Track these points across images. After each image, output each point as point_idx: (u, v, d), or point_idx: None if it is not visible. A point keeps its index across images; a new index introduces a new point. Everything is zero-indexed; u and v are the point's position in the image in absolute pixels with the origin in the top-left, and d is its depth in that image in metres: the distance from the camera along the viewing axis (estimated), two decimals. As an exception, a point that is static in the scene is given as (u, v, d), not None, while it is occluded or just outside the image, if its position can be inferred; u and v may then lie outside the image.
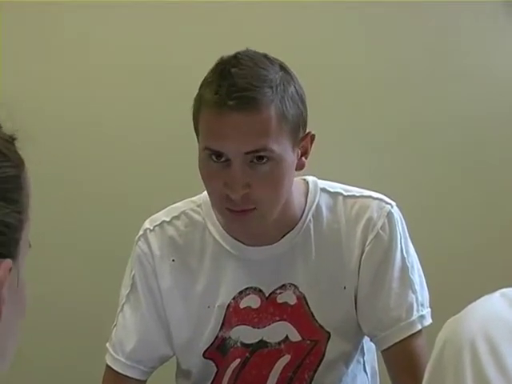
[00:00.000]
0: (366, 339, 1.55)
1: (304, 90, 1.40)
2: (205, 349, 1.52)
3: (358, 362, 1.55)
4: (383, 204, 1.49)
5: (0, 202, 0.76)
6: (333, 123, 2.26)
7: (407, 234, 1.50)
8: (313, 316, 1.49)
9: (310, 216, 1.48)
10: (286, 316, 1.49)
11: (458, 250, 2.35)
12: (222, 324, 1.50)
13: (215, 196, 1.37)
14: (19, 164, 0.79)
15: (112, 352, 1.53)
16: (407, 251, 1.49)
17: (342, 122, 2.32)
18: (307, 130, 1.41)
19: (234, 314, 1.49)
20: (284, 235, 1.48)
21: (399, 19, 2.32)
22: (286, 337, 1.49)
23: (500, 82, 2.35)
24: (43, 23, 2.29)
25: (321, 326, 1.49)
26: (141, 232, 1.53)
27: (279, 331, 1.49)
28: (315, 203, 1.49)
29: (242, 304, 1.49)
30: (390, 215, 1.48)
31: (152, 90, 2.30)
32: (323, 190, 1.51)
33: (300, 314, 1.49)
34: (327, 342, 1.49)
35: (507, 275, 2.04)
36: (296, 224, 1.48)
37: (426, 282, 1.51)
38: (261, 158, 1.32)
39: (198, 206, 1.52)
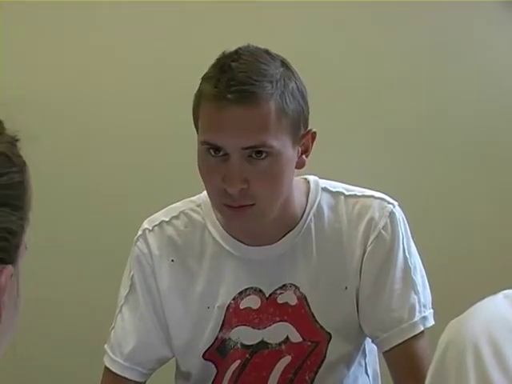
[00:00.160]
0: (368, 341, 1.53)
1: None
2: (204, 350, 1.49)
3: (360, 363, 1.53)
4: (385, 204, 1.47)
5: (5, 208, 0.76)
6: (334, 122, 2.25)
7: (409, 234, 1.48)
8: (313, 317, 1.46)
9: (311, 215, 1.46)
10: (286, 317, 1.47)
11: (460, 251, 2.33)
12: (222, 325, 1.48)
13: (213, 191, 1.35)
14: (22, 167, 0.79)
15: (110, 353, 1.51)
16: (409, 251, 1.46)
17: (344, 121, 2.32)
18: (308, 128, 1.39)
19: (233, 315, 1.47)
20: (285, 235, 1.46)
21: (399, 19, 2.32)
22: (287, 338, 1.47)
23: (500, 82, 2.34)
24: (43, 23, 2.29)
25: (322, 327, 1.47)
26: (139, 232, 1.51)
27: (280, 332, 1.47)
28: (316, 203, 1.47)
29: (242, 304, 1.47)
30: (391, 215, 1.46)
31: (152, 90, 2.30)
32: (324, 189, 1.48)
33: (301, 314, 1.46)
34: (328, 343, 1.47)
35: (511, 276, 2.01)
36: (297, 224, 1.45)
37: (429, 283, 1.49)
38: (259, 153, 1.31)
39: (198, 205, 1.50)
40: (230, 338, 1.48)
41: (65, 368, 2.30)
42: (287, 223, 1.45)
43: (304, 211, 1.46)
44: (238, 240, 1.46)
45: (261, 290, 1.46)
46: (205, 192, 1.43)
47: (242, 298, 1.46)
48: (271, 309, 1.46)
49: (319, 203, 1.47)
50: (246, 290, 1.46)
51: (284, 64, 1.36)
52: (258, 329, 1.47)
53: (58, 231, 2.29)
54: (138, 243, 1.50)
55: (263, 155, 1.31)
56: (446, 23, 2.31)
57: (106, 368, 1.51)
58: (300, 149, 1.38)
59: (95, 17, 2.28)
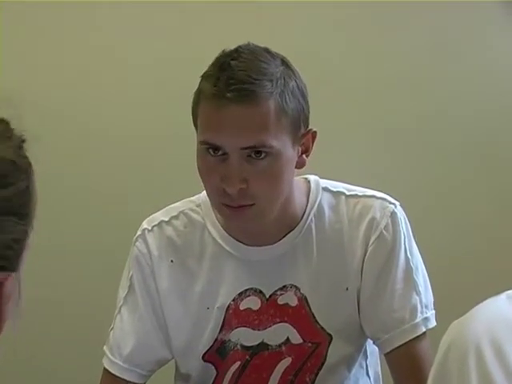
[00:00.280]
0: (369, 342, 1.51)
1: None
2: (204, 351, 1.48)
3: (361, 365, 1.51)
4: (386, 204, 1.45)
5: (13, 217, 0.75)
6: (334, 122, 2.24)
7: (411, 235, 1.46)
8: (314, 318, 1.45)
9: (311, 216, 1.44)
10: (286, 318, 1.45)
11: (462, 251, 2.32)
12: (222, 326, 1.46)
13: (212, 191, 1.34)
14: (28, 169, 0.78)
15: (109, 355, 1.49)
16: (411, 252, 1.45)
17: (344, 121, 2.31)
18: (309, 128, 1.37)
19: (233, 316, 1.46)
20: (285, 235, 1.44)
21: (399, 19, 2.31)
22: (287, 339, 1.46)
23: (500, 82, 2.33)
24: (43, 23, 2.28)
25: (322, 328, 1.45)
26: (139, 232, 1.50)
27: (280, 333, 1.46)
28: (317, 203, 1.45)
29: (242, 305, 1.45)
30: (393, 215, 1.44)
31: (152, 90, 2.29)
32: (325, 189, 1.47)
33: (301, 315, 1.45)
34: (329, 344, 1.45)
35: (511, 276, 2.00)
36: (297, 224, 1.44)
37: (431, 284, 1.48)
38: (259, 152, 1.29)
39: (197, 205, 1.49)
40: (229, 340, 1.46)
41: (63, 369, 2.29)
42: (287, 223, 1.44)
43: (304, 211, 1.44)
44: (238, 240, 1.44)
45: (261, 291, 1.45)
46: (204, 192, 1.41)
47: (242, 299, 1.45)
48: (271, 310, 1.45)
49: (320, 203, 1.45)
50: (246, 290, 1.45)
51: (284, 62, 1.35)
52: (258, 330, 1.45)
53: (58, 231, 2.27)
54: (137, 243, 1.49)
55: (263, 155, 1.29)
56: (446, 23, 2.30)
57: (105, 369, 1.49)
58: (300, 148, 1.37)
59: (95, 17, 2.27)
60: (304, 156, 1.38)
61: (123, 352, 1.47)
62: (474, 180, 2.34)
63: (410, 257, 1.44)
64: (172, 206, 1.51)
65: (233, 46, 1.35)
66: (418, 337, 1.42)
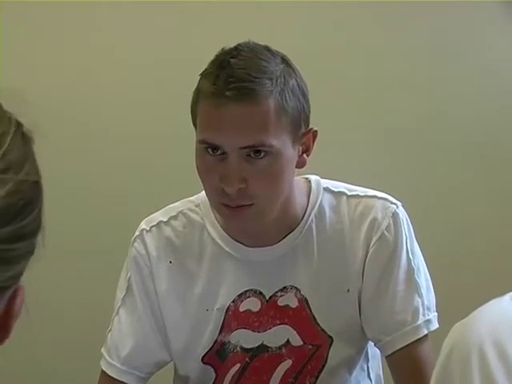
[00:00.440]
0: (371, 345, 1.48)
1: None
2: (203, 354, 1.45)
3: (362, 368, 1.49)
4: (388, 204, 1.43)
5: (33, 239, 0.72)
6: (334, 122, 2.22)
7: (413, 235, 1.44)
8: (315, 320, 1.42)
9: (312, 216, 1.42)
10: (287, 319, 1.43)
11: (465, 252, 2.31)
12: (221, 328, 1.44)
13: (211, 191, 1.32)
14: (39, 179, 0.74)
15: (107, 357, 1.47)
16: (413, 253, 1.42)
17: (344, 121, 2.30)
18: (310, 127, 1.35)
19: (233, 318, 1.43)
20: (285, 236, 1.42)
21: (399, 19, 2.30)
22: (287, 341, 1.44)
23: (500, 82, 2.32)
24: (43, 23, 2.27)
25: (323, 330, 1.43)
26: (137, 233, 1.47)
27: (280, 335, 1.44)
28: (318, 203, 1.43)
29: (242, 307, 1.43)
30: (395, 215, 1.42)
31: (152, 90, 2.28)
32: (326, 189, 1.44)
33: (301, 317, 1.43)
34: (329, 346, 1.43)
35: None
36: (298, 224, 1.42)
37: (433, 285, 1.45)
38: (258, 152, 1.28)
39: (197, 205, 1.46)
40: (229, 342, 1.44)
41: (62, 370, 2.28)
42: (288, 224, 1.42)
43: (305, 212, 1.42)
44: (238, 241, 1.42)
45: (261, 293, 1.43)
46: (203, 192, 1.39)
47: (242, 301, 1.43)
48: (271, 311, 1.43)
49: (321, 203, 1.43)
50: (246, 292, 1.43)
51: (284, 61, 1.33)
52: (258, 332, 1.43)
53: (58, 231, 2.22)
54: (136, 244, 1.46)
55: (262, 154, 1.28)
56: (446, 23, 2.29)
57: (103, 372, 1.47)
58: (300, 148, 1.35)
59: (95, 17, 2.26)
60: (304, 155, 1.36)
61: (121, 354, 1.45)
62: (473, 180, 2.33)
63: (411, 258, 1.41)
64: (171, 206, 1.49)
65: (233, 45, 1.33)
66: (419, 339, 1.40)
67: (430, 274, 1.46)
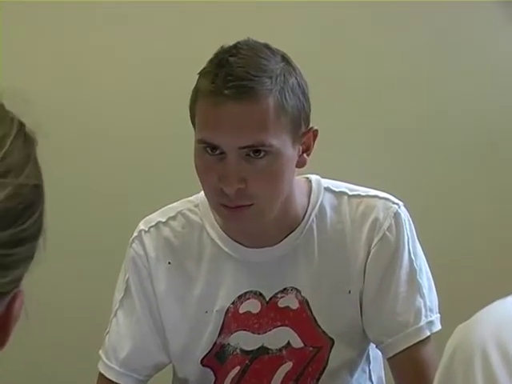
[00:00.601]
0: (372, 346, 1.46)
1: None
2: (202, 356, 1.43)
3: (363, 370, 1.46)
4: (390, 204, 1.40)
5: (34, 243, 0.71)
6: (334, 122, 2.20)
7: (415, 236, 1.42)
8: (316, 321, 1.40)
9: (312, 216, 1.39)
10: (287, 321, 1.40)
11: (465, 252, 2.29)
12: (221, 330, 1.41)
13: (210, 191, 1.30)
14: (40, 182, 0.72)
15: (105, 359, 1.44)
16: (415, 253, 1.40)
17: (344, 121, 2.28)
18: (310, 126, 1.33)
19: (233, 320, 1.41)
20: (285, 236, 1.39)
21: (399, 19, 2.28)
22: (288, 343, 1.41)
23: (500, 82, 2.30)
24: (43, 23, 2.25)
25: (324, 332, 1.40)
26: (135, 234, 1.45)
27: (280, 337, 1.41)
28: (318, 203, 1.40)
29: (242, 309, 1.41)
30: (396, 215, 1.39)
31: (152, 90, 2.26)
32: (327, 189, 1.42)
33: (302, 319, 1.40)
34: (331, 348, 1.41)
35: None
36: (298, 224, 1.39)
37: (435, 286, 1.43)
38: (258, 151, 1.25)
39: (196, 206, 1.44)
40: (228, 344, 1.42)
41: (59, 373, 2.27)
42: (288, 224, 1.39)
43: (306, 212, 1.40)
44: (237, 241, 1.40)
45: (261, 294, 1.40)
46: (202, 192, 1.37)
47: (242, 302, 1.40)
48: (271, 313, 1.40)
49: (321, 203, 1.40)
50: (246, 293, 1.40)
51: (284, 59, 1.30)
52: (258, 334, 1.41)
53: (58, 231, 2.19)
54: (134, 245, 1.44)
55: (262, 154, 1.25)
56: (446, 23, 2.27)
57: (101, 374, 1.45)
58: (301, 147, 1.33)
59: (95, 17, 2.25)
60: (305, 155, 1.34)
61: (119, 356, 1.42)
62: (473, 180, 2.31)
63: (413, 258, 1.39)
64: (169, 206, 1.46)
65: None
66: (422, 341, 1.37)
67: (434, 275, 1.44)
